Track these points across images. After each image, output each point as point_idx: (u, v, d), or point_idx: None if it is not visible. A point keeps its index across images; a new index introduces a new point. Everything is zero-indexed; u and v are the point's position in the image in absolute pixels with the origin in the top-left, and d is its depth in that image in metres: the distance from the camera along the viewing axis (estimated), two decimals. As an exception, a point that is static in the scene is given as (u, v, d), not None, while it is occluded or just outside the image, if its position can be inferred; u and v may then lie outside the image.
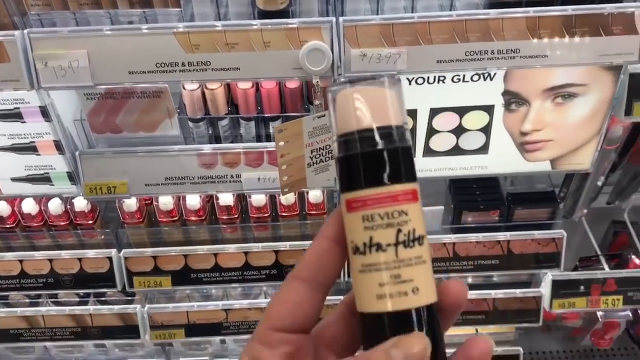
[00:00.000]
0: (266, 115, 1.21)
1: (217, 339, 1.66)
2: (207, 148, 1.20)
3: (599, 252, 1.69)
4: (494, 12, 1.04)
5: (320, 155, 1.14)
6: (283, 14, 1.06)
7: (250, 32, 1.01)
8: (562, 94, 1.15)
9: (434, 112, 1.19)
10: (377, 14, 1.11)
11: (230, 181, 1.23)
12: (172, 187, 1.24)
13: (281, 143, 1.08)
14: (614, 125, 1.25)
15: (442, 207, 1.40)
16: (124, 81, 1.05)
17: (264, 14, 1.06)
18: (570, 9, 1.04)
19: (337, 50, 1.04)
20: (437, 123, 1.20)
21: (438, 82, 1.14)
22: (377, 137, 0.42)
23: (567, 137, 1.22)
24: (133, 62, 1.04)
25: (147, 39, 1.03)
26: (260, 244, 1.43)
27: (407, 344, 0.40)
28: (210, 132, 1.24)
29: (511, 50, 1.06)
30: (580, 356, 1.90)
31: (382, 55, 1.06)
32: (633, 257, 1.72)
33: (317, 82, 1.07)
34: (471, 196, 1.43)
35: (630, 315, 1.76)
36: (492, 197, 1.44)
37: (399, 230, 0.42)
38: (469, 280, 1.67)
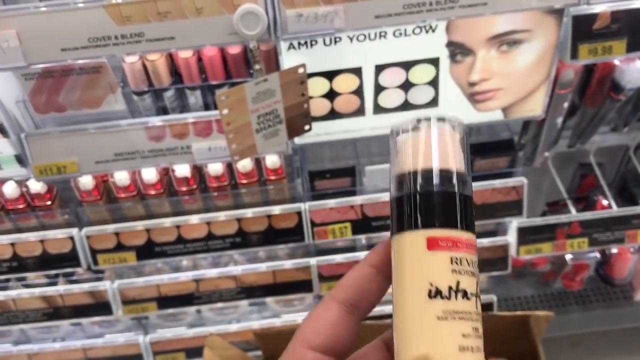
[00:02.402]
0: (211, 83, 1.20)
1: (192, 309, 1.66)
2: (154, 121, 1.19)
3: (565, 196, 1.70)
4: (429, -38, 1.02)
5: (267, 120, 1.13)
6: (213, -22, 1.03)
7: None
8: (506, 41, 1.14)
9: (379, 68, 1.17)
10: (312, -28, 1.08)
11: (181, 153, 1.22)
12: (123, 162, 1.23)
13: (225, 111, 1.06)
14: (564, 69, 1.24)
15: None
16: (58, 59, 1.03)
17: (194, -20, 1.03)
18: (506, -46, 1.02)
19: (271, 12, 1.02)
20: (383, 79, 1.19)
21: (380, 38, 1.12)
22: (462, 180, 0.41)
23: (516, 84, 1.21)
24: (65, 38, 1.01)
25: (77, 14, 1.00)
26: (222, 213, 1.43)
27: None
28: (156, 104, 1.22)
29: (450, 0, 1.05)
30: (554, 299, 1.93)
31: (318, 14, 1.04)
32: (600, 198, 1.73)
33: (255, 46, 1.05)
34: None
35: (599, 255, 1.78)
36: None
37: (477, 282, 0.40)
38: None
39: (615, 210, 1.58)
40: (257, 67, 1.07)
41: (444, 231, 0.39)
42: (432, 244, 0.39)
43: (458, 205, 0.40)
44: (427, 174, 0.41)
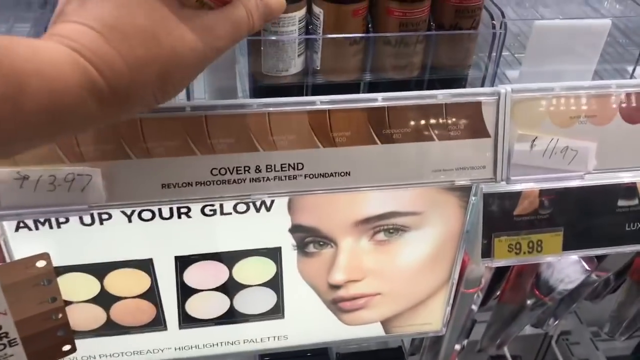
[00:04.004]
0: None
1: None
2: None
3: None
4: (257, 104, 0.61)
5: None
6: None
7: None
8: (384, 227, 0.73)
9: (184, 262, 0.72)
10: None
11: None
12: None
13: None
14: (471, 263, 0.83)
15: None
16: None
17: None
18: (380, 98, 0.62)
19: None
20: (191, 278, 0.74)
21: (180, 217, 0.67)
22: None
23: (400, 288, 0.79)
24: None
25: None
26: None
27: None
28: None
29: (290, 165, 0.63)
30: None
31: (57, 177, 0.59)
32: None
33: None
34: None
35: None
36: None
37: None
38: None
39: None
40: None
41: None
42: None
43: None
44: None
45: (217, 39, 0.45)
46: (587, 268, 0.90)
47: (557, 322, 1.15)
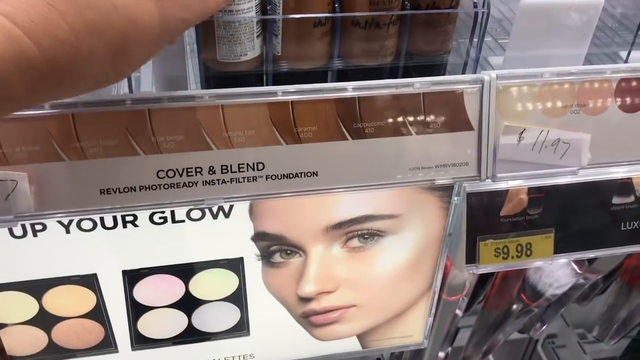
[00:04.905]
0: None
1: None
2: None
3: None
4: (209, 95, 0.53)
5: None
6: None
7: None
8: (358, 232, 0.65)
9: (132, 277, 0.64)
10: None
11: None
12: None
13: None
14: (454, 268, 0.77)
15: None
16: None
17: None
18: (350, 87, 0.55)
19: None
20: (142, 294, 0.66)
21: (125, 226, 0.59)
22: None
23: (377, 299, 0.72)
24: None
25: None
26: None
27: None
28: None
29: (249, 165, 0.55)
30: None
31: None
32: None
33: None
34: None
35: None
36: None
37: None
38: None
39: None
40: None
41: None
42: None
43: None
44: None
45: (181, 9, 0.38)
46: (578, 271, 0.84)
47: (544, 327, 1.09)
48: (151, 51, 0.40)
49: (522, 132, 0.60)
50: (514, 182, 0.64)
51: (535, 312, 0.93)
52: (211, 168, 0.54)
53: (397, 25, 0.58)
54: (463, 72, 0.63)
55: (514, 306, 0.93)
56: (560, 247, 0.69)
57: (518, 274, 0.88)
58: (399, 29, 0.59)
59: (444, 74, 0.64)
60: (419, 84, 0.56)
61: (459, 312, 0.87)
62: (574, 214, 0.68)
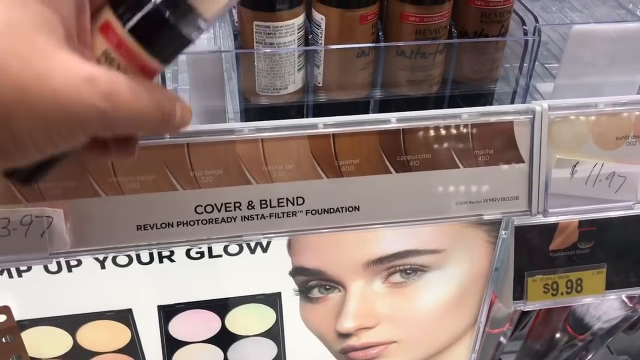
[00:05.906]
0: None
1: None
2: None
3: None
4: (248, 128, 0.51)
5: None
6: None
7: None
8: (400, 268, 0.62)
9: (168, 312, 0.62)
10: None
11: None
12: None
13: None
14: (498, 302, 0.73)
15: None
16: None
17: None
18: (393, 118, 0.53)
19: None
20: (177, 329, 0.64)
21: (161, 261, 0.58)
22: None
23: (419, 335, 0.69)
24: None
25: None
26: None
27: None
28: None
29: (289, 200, 0.53)
30: None
31: (12, 221, 0.50)
32: None
33: None
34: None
35: None
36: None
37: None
38: None
39: None
40: None
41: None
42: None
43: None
44: None
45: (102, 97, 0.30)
46: (629, 304, 0.80)
47: (589, 357, 1.05)
48: (63, 133, 0.30)
49: (575, 165, 0.57)
50: (566, 217, 0.61)
51: (580, 345, 0.89)
52: (250, 203, 0.53)
53: (444, 54, 0.56)
54: (512, 101, 0.60)
55: (558, 335, 0.89)
56: (612, 283, 0.66)
57: (564, 306, 0.84)
58: (445, 57, 0.56)
59: (491, 103, 0.61)
60: (466, 115, 0.54)
61: (503, 339, 0.84)
62: (627, 248, 0.65)
